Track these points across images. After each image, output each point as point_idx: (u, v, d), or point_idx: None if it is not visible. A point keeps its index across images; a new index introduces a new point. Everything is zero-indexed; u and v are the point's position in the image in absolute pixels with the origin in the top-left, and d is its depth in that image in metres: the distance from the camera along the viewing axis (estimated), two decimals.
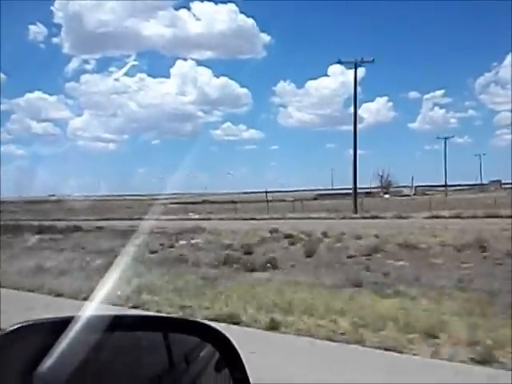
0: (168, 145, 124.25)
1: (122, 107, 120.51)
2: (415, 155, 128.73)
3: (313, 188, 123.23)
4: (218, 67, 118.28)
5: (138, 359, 1.28)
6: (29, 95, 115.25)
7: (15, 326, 1.05)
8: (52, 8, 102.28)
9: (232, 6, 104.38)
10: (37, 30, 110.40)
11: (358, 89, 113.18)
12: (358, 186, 43.95)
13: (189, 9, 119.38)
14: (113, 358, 1.22)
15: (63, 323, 1.09)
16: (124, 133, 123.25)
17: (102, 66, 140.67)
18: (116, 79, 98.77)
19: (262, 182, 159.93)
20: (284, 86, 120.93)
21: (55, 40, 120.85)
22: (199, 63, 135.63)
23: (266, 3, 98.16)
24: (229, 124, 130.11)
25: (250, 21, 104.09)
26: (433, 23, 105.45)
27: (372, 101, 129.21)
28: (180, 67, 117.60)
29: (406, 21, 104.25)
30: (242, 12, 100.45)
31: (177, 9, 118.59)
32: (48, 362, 1.02)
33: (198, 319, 2.86)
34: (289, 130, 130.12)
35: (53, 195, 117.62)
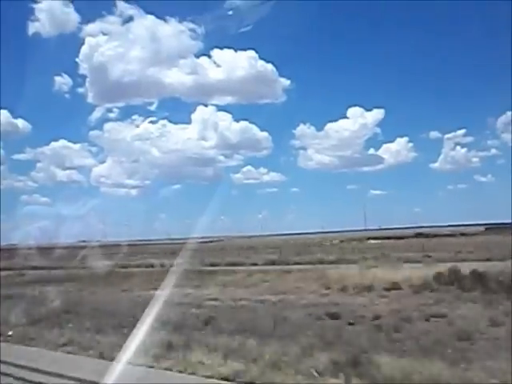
0: (189, 189, 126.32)
1: (145, 154, 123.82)
2: (438, 195, 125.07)
3: (340, 229, 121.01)
4: (238, 112, 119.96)
5: None
6: (54, 144, 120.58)
7: None
8: (77, 60, 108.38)
9: (251, 53, 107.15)
10: (62, 81, 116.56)
11: (378, 130, 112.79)
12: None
13: (209, 56, 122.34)
14: None
15: None
16: (146, 179, 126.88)
17: (125, 114, 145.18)
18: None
19: (283, 224, 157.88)
20: (304, 129, 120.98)
21: (80, 90, 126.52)
22: (220, 108, 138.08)
23: (285, 49, 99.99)
24: (249, 167, 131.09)
25: (270, 66, 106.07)
26: (452, 62, 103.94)
27: (392, 141, 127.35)
28: (201, 113, 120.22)
29: (424, 60, 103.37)
30: (261, 58, 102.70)
31: (198, 56, 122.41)
32: None
33: None
34: (309, 172, 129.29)
35: (83, 241, 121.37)
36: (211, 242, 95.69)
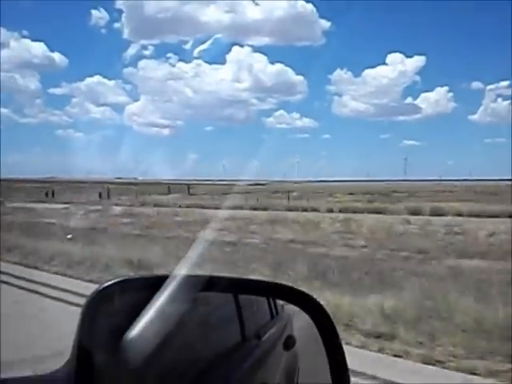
0: (221, 131, 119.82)
1: (178, 93, 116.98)
2: (474, 148, 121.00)
3: (374, 179, 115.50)
4: (275, 54, 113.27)
5: (224, 319, 1.32)
6: (89, 79, 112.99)
7: (109, 282, 1.05)
8: None
9: None
10: (99, 15, 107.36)
11: (417, 78, 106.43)
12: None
13: None
14: (203, 319, 1.23)
15: (157, 280, 1.07)
16: (178, 118, 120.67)
17: (160, 52, 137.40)
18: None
19: (314, 170, 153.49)
20: (340, 75, 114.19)
21: (116, 25, 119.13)
22: (255, 49, 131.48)
23: None
24: (282, 112, 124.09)
25: (310, 6, 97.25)
26: (496, 11, 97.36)
27: (431, 91, 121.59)
28: (236, 53, 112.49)
29: (469, 8, 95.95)
30: None
31: None
32: (138, 325, 0.98)
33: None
34: (342, 119, 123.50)
35: (120, 178, 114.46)
36: (257, 184, 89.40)
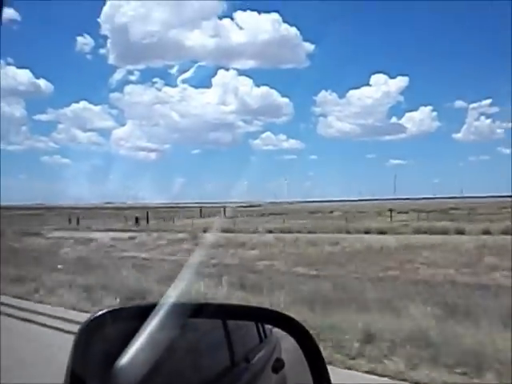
0: (208, 154, 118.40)
1: (164, 117, 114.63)
2: (459, 166, 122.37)
3: (373, 197, 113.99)
4: (260, 77, 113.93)
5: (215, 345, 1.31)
6: (75, 105, 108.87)
7: (101, 312, 1.06)
8: (99, 20, 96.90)
9: (275, 16, 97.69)
10: (84, 41, 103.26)
11: (401, 98, 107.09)
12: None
13: (232, 18, 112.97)
14: (192, 345, 1.22)
15: (148, 309, 1.07)
16: (166, 142, 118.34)
17: (146, 77, 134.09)
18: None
19: (301, 191, 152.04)
20: (325, 96, 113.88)
21: (101, 51, 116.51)
22: (240, 73, 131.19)
23: (309, 12, 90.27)
24: (268, 134, 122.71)
25: (293, 30, 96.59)
26: (478, 30, 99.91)
27: (415, 110, 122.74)
28: (221, 77, 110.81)
29: (451, 27, 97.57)
30: (285, 21, 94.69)
31: (221, 18, 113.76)
32: (129, 353, 0.99)
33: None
34: (328, 140, 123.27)
35: (109, 202, 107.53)
36: (251, 206, 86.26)
